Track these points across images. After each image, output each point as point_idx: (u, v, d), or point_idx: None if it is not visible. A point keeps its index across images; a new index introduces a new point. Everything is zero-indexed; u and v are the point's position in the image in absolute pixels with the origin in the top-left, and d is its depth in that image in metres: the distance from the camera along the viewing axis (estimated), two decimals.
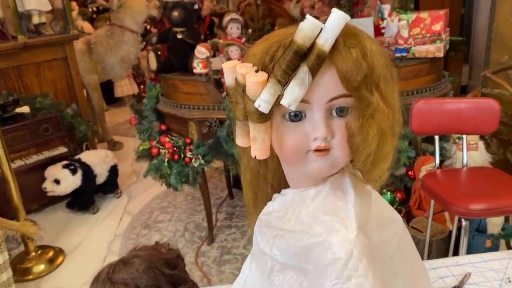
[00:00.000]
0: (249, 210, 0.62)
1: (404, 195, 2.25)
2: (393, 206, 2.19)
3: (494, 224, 1.96)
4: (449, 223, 2.10)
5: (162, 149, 2.27)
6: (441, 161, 2.23)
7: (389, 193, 2.18)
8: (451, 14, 4.01)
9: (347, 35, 0.46)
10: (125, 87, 5.22)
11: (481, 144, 2.16)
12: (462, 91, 4.55)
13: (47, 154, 2.86)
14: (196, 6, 2.23)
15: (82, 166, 2.79)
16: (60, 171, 2.70)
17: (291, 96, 0.45)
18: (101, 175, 2.94)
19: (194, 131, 2.20)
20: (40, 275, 2.32)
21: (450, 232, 1.95)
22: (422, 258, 2.06)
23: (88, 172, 2.82)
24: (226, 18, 2.24)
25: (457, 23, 4.32)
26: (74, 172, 2.73)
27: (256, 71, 0.46)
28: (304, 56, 0.45)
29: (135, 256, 0.75)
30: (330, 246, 0.46)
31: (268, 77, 0.46)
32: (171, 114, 2.29)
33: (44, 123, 2.84)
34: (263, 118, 0.48)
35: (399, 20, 2.16)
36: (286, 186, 0.58)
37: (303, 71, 0.44)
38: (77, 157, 2.88)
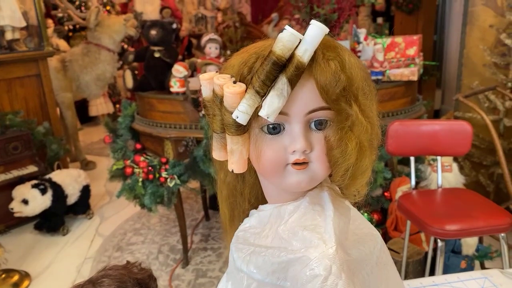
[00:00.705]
0: (225, 228, 0.59)
1: (381, 216, 2.26)
2: None
3: (469, 245, 1.98)
4: (425, 244, 2.11)
5: (137, 168, 2.21)
6: (417, 182, 2.25)
7: (366, 214, 2.18)
8: (424, 40, 4.16)
9: (326, 47, 0.46)
10: (100, 106, 5.14)
11: (455, 166, 2.20)
12: (436, 115, 4.67)
13: (15, 173, 2.75)
14: (174, 26, 2.23)
15: (52, 186, 2.70)
16: (29, 191, 2.60)
17: (270, 107, 0.43)
18: (73, 195, 2.85)
19: (170, 150, 2.16)
20: None
21: (426, 253, 1.95)
22: None
23: (58, 192, 2.72)
24: (205, 38, 2.24)
25: (429, 49, 4.47)
26: (43, 192, 2.63)
27: (234, 82, 0.45)
28: (283, 67, 0.44)
29: (104, 276, 0.71)
30: (308, 261, 0.44)
31: (247, 88, 0.45)
32: (147, 133, 2.25)
33: (14, 141, 2.75)
34: (241, 130, 0.47)
35: (375, 44, 2.21)
36: (264, 201, 0.56)
37: (282, 82, 0.43)
38: (47, 176, 2.78)
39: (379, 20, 4.84)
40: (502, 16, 2.42)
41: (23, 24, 3.04)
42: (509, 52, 2.42)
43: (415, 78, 2.15)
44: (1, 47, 3.01)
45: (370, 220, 2.17)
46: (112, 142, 2.41)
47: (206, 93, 0.48)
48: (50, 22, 4.93)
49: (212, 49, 2.19)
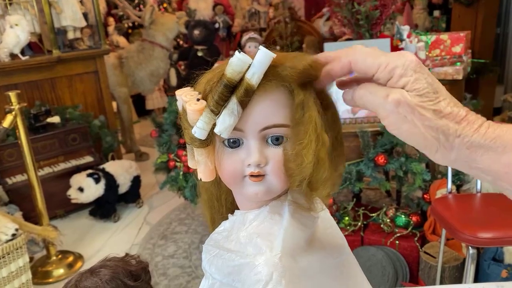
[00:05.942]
0: (209, 229, 0.64)
1: (420, 219, 2.20)
2: (407, 230, 2.14)
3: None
4: (464, 249, 2.03)
5: (179, 162, 2.33)
6: (460, 185, 2.17)
7: (403, 216, 2.14)
8: (485, 34, 3.92)
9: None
10: (156, 100, 5.39)
11: None
12: (496, 113, 4.39)
13: (74, 162, 3.00)
14: (216, 25, 2.30)
15: (105, 176, 2.89)
16: (84, 179, 2.81)
17: (222, 125, 0.48)
18: (124, 185, 3.03)
19: None
20: (59, 279, 2.41)
21: (465, 259, 1.89)
22: (434, 285, 2.00)
23: (111, 182, 2.92)
24: (245, 37, 2.30)
25: (490, 44, 4.20)
26: (97, 181, 2.83)
27: (198, 100, 0.50)
28: (235, 88, 0.48)
29: (102, 266, 0.80)
30: (254, 267, 0.48)
31: None
32: None
33: (73, 133, 2.98)
34: (204, 143, 0.51)
35: (418, 41, 2.14)
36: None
37: (233, 102, 0.48)
38: (101, 166, 2.99)
39: (436, 13, 4.62)
40: None
41: (83, 24, 3.27)
42: None
43: (459, 77, 2.06)
44: (64, 46, 3.26)
45: (408, 222, 2.13)
46: (158, 136, 2.55)
47: (179, 107, 0.53)
48: (111, 20, 5.24)
49: (251, 48, 2.24)
